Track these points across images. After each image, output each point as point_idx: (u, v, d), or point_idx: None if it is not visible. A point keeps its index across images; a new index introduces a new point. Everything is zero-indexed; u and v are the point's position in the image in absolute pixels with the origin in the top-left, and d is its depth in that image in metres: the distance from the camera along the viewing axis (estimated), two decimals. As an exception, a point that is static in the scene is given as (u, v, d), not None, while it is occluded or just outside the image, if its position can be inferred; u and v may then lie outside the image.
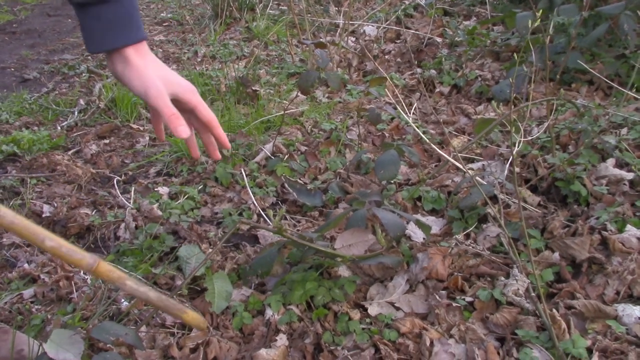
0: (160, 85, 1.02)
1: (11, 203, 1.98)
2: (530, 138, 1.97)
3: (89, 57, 4.04)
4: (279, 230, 1.27)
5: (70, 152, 2.43)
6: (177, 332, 1.35)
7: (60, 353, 1.05)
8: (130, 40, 1.01)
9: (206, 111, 1.11)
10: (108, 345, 1.27)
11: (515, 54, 1.38)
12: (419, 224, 1.47)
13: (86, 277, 1.57)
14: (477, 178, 1.57)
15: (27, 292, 1.54)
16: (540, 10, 1.28)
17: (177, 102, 1.07)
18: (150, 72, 1.03)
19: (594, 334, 1.23)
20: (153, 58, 1.06)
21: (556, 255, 1.45)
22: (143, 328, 1.34)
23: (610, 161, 1.74)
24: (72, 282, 1.54)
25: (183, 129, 1.02)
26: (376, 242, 1.40)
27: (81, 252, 0.87)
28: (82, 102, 2.96)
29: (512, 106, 1.29)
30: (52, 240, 0.83)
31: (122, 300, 1.45)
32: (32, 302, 1.51)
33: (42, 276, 1.58)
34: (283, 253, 1.55)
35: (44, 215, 1.89)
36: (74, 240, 1.80)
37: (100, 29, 1.00)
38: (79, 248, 0.87)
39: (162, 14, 5.13)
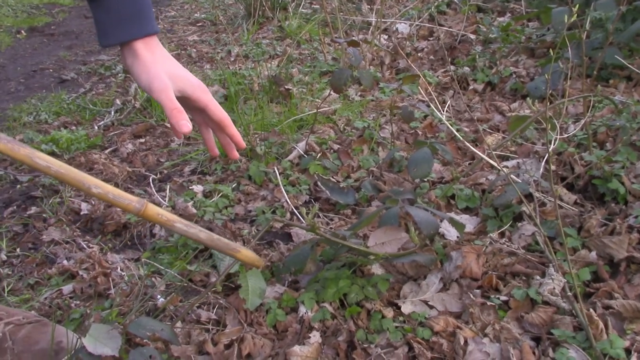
0: (166, 79, 1.03)
1: (50, 201, 2.02)
2: (566, 135, 1.94)
3: (125, 58, 4.11)
4: (312, 228, 1.28)
5: (107, 151, 2.47)
6: (212, 329, 1.37)
7: (99, 347, 1.07)
8: (139, 33, 1.02)
9: (218, 110, 1.11)
10: (144, 341, 1.29)
11: (551, 50, 1.36)
12: (453, 222, 1.46)
13: (123, 273, 1.60)
14: (512, 176, 1.55)
15: (66, 288, 1.57)
16: (577, 5, 1.26)
17: (186, 99, 1.07)
18: (158, 66, 1.03)
19: (633, 335, 1.21)
20: (163, 53, 1.06)
21: (593, 254, 1.42)
22: (178, 324, 1.36)
23: (650, 159, 1.71)
24: (110, 279, 1.57)
25: (185, 124, 1.01)
26: (409, 240, 1.40)
27: (128, 197, 0.89)
28: (118, 102, 3.01)
29: (548, 103, 1.28)
30: (99, 187, 0.85)
31: (159, 296, 1.48)
32: (70, 298, 1.55)
33: (80, 272, 1.62)
34: (316, 251, 1.56)
35: (82, 213, 1.93)
36: (111, 237, 1.83)
37: (110, 22, 1.01)
38: (126, 193, 0.89)
39: (195, 15, 5.19)
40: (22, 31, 5.34)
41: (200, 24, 4.89)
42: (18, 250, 1.79)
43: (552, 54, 1.35)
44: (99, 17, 1.02)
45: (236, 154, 1.20)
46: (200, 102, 1.08)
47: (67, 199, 2.01)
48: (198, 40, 4.29)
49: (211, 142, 1.18)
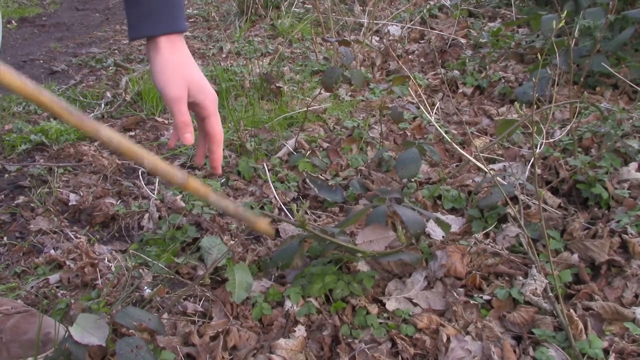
0: (181, 88, 1.03)
1: (39, 191, 2.02)
2: (552, 140, 1.97)
3: (116, 51, 4.10)
4: (301, 224, 1.29)
5: (96, 143, 2.47)
6: (198, 321, 1.38)
7: (85, 337, 1.08)
8: (163, 30, 1.02)
9: (216, 125, 1.10)
10: (130, 331, 1.30)
11: (539, 55, 1.38)
12: (439, 222, 1.48)
13: (111, 264, 1.61)
14: (498, 178, 1.58)
15: (53, 278, 1.58)
16: (565, 12, 1.28)
17: (194, 105, 1.07)
18: (177, 70, 1.03)
19: (611, 336, 1.24)
20: (185, 55, 1.05)
21: (575, 256, 1.45)
22: (165, 315, 1.37)
23: (633, 165, 1.74)
24: (97, 269, 1.58)
25: (188, 137, 1.04)
26: (396, 239, 1.41)
27: (174, 170, 0.95)
28: (108, 94, 3.00)
29: (535, 108, 1.30)
30: (150, 161, 0.91)
31: (145, 287, 1.49)
32: (57, 287, 1.55)
33: (67, 262, 1.62)
34: (303, 247, 1.57)
35: (70, 204, 1.93)
36: (99, 228, 1.84)
37: (137, 16, 1.02)
38: (172, 165, 0.95)
39: (188, 10, 5.17)
40: (13, 21, 5.30)
41: (192, 19, 4.88)
42: (5, 239, 1.78)
43: (539, 58, 1.37)
44: (128, 10, 1.03)
45: (219, 170, 1.19)
46: (205, 111, 1.08)
47: (55, 190, 2.01)
48: (190, 36, 4.29)
49: (203, 150, 1.16)
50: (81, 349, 1.10)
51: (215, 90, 2.67)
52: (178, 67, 1.03)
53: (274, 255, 1.48)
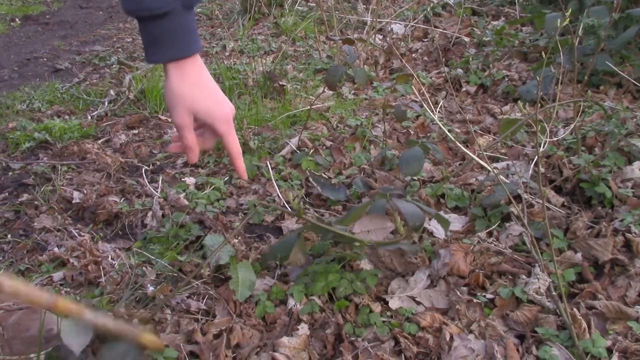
0: (185, 116, 1.05)
1: (42, 189, 2.03)
2: (556, 139, 1.97)
3: (120, 49, 4.11)
4: (298, 212, 1.29)
5: (100, 141, 2.48)
6: (202, 319, 1.38)
7: (74, 344, 1.07)
8: (167, 57, 1.03)
9: (232, 144, 1.13)
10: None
11: (543, 54, 1.38)
12: (439, 217, 1.48)
13: (114, 262, 1.61)
14: (501, 177, 1.58)
15: (57, 275, 1.58)
16: (569, 11, 1.28)
17: (206, 125, 1.11)
18: (182, 99, 1.05)
19: (615, 335, 1.23)
20: (195, 80, 1.06)
21: (579, 255, 1.45)
22: (168, 313, 1.38)
23: (637, 164, 1.74)
24: (101, 267, 1.58)
25: (193, 158, 1.11)
26: (395, 231, 1.40)
27: (39, 293, 0.89)
28: (112, 92, 3.01)
29: (539, 106, 1.30)
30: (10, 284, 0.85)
31: (149, 285, 1.49)
32: (61, 285, 1.55)
33: (71, 260, 1.62)
34: (305, 245, 1.57)
35: (73, 202, 1.93)
36: (103, 226, 1.84)
37: (146, 42, 1.03)
38: (36, 288, 0.89)
39: (191, 8, 5.18)
40: (17, 19, 5.32)
41: (196, 17, 4.88)
42: (9, 236, 1.79)
43: (544, 56, 1.37)
44: (141, 36, 1.05)
45: (245, 176, 1.21)
46: (218, 132, 1.10)
47: (59, 187, 2.01)
48: (193, 34, 4.29)
49: (197, 150, 1.15)
50: (69, 351, 1.09)
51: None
52: (184, 95, 1.04)
53: (273, 246, 1.48)
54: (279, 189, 1.90)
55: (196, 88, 1.06)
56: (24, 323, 1.27)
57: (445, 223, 1.48)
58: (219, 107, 1.09)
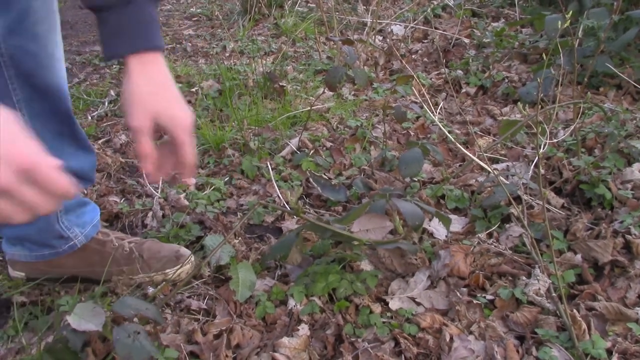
0: (144, 119, 0.97)
1: (43, 189, 2.02)
2: (555, 140, 1.98)
3: (120, 49, 4.10)
4: (296, 211, 1.29)
5: (100, 142, 2.48)
6: (202, 318, 1.38)
7: (83, 324, 1.09)
8: (128, 49, 0.98)
9: (188, 154, 1.02)
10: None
11: (544, 55, 1.38)
12: (439, 216, 1.48)
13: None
14: (501, 177, 1.58)
15: (57, 275, 1.58)
16: (570, 13, 1.28)
17: (164, 131, 1.01)
18: (142, 99, 0.97)
19: (614, 336, 1.24)
20: (157, 79, 1.00)
21: (578, 257, 1.45)
22: (168, 313, 1.38)
23: (637, 166, 1.74)
24: (101, 267, 1.58)
25: (149, 167, 1.00)
26: (394, 230, 1.40)
27: None
28: (112, 93, 3.01)
29: (539, 108, 1.30)
30: None
31: (149, 287, 1.49)
32: (61, 285, 1.55)
33: (71, 260, 1.62)
34: (306, 245, 1.58)
35: (74, 202, 1.93)
36: (103, 226, 1.84)
37: (106, 35, 0.99)
38: None
39: (191, 9, 5.18)
40: (16, 19, 5.31)
41: (195, 18, 4.88)
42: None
43: (544, 58, 1.37)
44: (100, 29, 1.00)
45: (192, 180, 1.15)
46: (175, 140, 1.01)
47: (59, 188, 2.01)
48: (193, 34, 4.29)
49: (154, 161, 1.02)
50: (78, 336, 1.12)
51: (219, 89, 2.66)
52: (144, 95, 0.97)
53: (272, 246, 1.49)
54: (279, 189, 1.90)
55: (160, 89, 1.00)
56: (155, 247, 1.51)
57: (446, 221, 1.48)
58: (183, 114, 1.01)
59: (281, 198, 1.87)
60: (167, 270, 1.48)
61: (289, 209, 1.81)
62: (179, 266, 1.49)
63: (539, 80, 1.25)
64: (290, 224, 1.75)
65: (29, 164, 0.72)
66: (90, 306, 1.12)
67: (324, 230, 1.36)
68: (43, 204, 0.75)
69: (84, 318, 1.09)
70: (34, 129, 1.07)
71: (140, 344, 1.09)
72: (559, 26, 1.30)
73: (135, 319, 1.25)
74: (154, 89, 0.99)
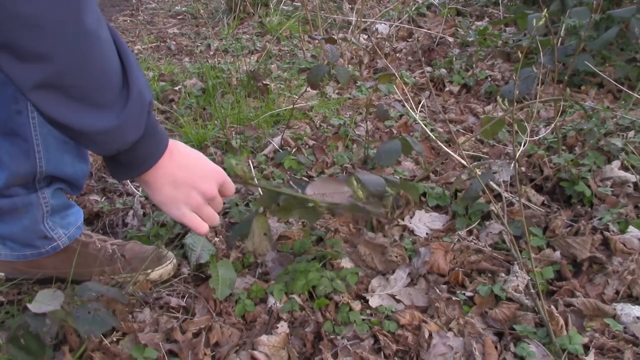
0: (180, 209, 1.09)
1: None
2: (536, 138, 1.98)
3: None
4: (245, 179, 1.26)
5: (81, 140, 2.46)
6: (181, 317, 1.38)
7: (42, 307, 1.11)
8: (135, 174, 1.05)
9: (216, 204, 1.17)
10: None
11: (520, 53, 1.39)
12: (405, 186, 1.44)
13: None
14: (476, 170, 1.57)
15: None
16: (545, 10, 1.29)
17: None
18: (166, 192, 1.08)
19: (592, 332, 1.24)
20: (173, 173, 1.07)
21: (557, 253, 1.46)
22: (147, 311, 1.37)
23: (616, 163, 1.76)
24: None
25: (205, 230, 1.14)
26: (353, 197, 1.27)
27: None
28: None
29: (515, 104, 1.31)
30: None
31: (129, 286, 1.48)
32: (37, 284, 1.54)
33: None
34: (286, 243, 1.57)
35: (54, 201, 1.92)
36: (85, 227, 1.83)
37: (111, 166, 1.05)
38: None
39: (176, 7, 5.16)
40: None
41: (180, 16, 4.86)
42: None
43: (520, 55, 1.38)
44: (106, 162, 1.06)
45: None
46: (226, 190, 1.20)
47: (39, 186, 2.00)
48: (178, 33, 4.28)
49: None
50: (39, 320, 1.12)
51: (202, 88, 2.65)
52: (166, 187, 1.07)
53: (235, 227, 1.44)
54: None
55: (176, 178, 1.08)
56: (136, 249, 1.53)
57: (414, 191, 1.47)
58: (205, 178, 1.13)
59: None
60: (149, 271, 1.49)
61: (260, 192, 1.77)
62: (160, 267, 1.50)
63: (515, 78, 1.26)
64: (271, 222, 1.74)
65: (223, 179, 1.16)
66: (50, 292, 1.14)
67: (276, 195, 1.29)
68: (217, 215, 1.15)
69: (43, 303, 1.11)
70: (41, 134, 1.17)
71: (100, 318, 1.13)
72: (535, 24, 1.31)
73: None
74: (169, 182, 1.08)
